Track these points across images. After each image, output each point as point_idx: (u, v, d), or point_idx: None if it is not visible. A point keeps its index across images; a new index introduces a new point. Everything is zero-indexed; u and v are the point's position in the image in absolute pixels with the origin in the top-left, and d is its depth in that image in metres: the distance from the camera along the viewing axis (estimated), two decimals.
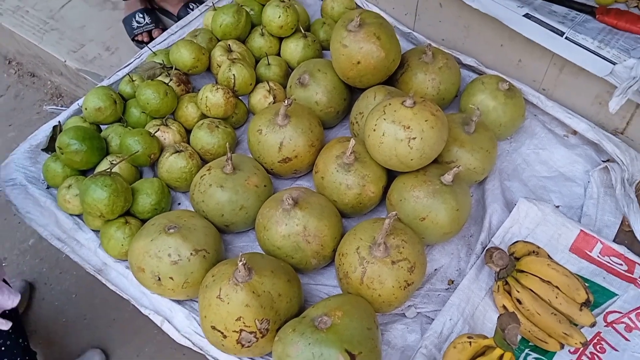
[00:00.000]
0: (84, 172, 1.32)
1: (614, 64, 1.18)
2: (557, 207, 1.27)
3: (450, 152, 1.20)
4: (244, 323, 0.97)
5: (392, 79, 1.39)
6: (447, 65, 1.34)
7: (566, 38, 1.22)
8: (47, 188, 1.34)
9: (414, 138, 1.07)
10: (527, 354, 1.05)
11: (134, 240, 1.11)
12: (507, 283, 1.09)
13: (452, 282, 1.18)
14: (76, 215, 1.28)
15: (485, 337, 0.98)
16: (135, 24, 2.13)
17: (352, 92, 1.39)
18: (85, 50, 2.20)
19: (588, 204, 1.25)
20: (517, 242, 1.13)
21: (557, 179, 1.31)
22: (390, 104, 1.11)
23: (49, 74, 2.43)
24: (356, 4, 1.64)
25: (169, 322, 1.13)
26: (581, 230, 1.17)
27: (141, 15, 2.14)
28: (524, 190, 1.30)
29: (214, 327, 0.99)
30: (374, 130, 1.11)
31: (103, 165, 1.28)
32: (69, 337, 1.83)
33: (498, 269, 1.08)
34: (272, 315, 0.98)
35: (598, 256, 1.16)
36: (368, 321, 0.97)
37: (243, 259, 0.96)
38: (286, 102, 1.19)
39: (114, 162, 1.23)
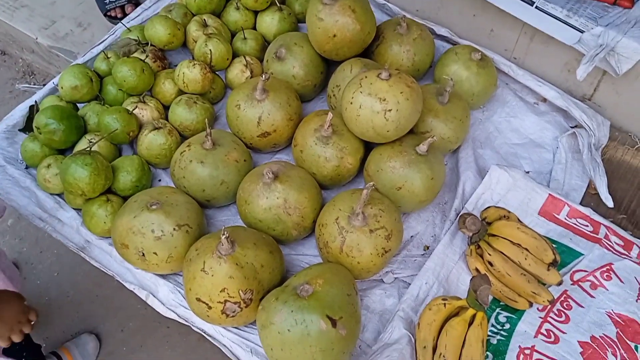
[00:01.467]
0: (63, 152, 1.32)
1: (582, 32, 1.21)
2: (527, 172, 1.32)
3: (425, 122, 1.23)
4: (228, 294, 1.00)
5: (368, 51, 1.40)
6: (421, 36, 1.36)
7: (536, 7, 1.25)
8: (26, 168, 1.34)
9: (390, 110, 1.10)
10: (498, 313, 1.11)
11: (116, 218, 1.13)
12: (479, 247, 1.14)
13: (428, 247, 1.23)
14: (57, 195, 1.29)
15: (459, 299, 1.03)
16: (107, 0, 2.10)
17: (328, 65, 1.41)
18: (57, 26, 2.17)
19: (557, 169, 1.30)
20: (489, 207, 1.18)
21: (527, 146, 1.35)
22: (366, 77, 1.13)
23: (20, 51, 2.39)
24: None
25: (153, 296, 1.16)
26: (549, 194, 1.22)
27: None
28: (495, 157, 1.34)
29: (199, 299, 1.02)
30: (351, 103, 1.14)
31: (82, 144, 1.29)
32: (53, 316, 1.85)
33: (471, 234, 1.12)
34: (255, 285, 1.02)
35: (565, 218, 1.21)
36: (348, 288, 1.01)
37: (226, 232, 0.99)
38: (263, 76, 1.20)
39: (93, 140, 1.24)
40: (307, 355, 0.95)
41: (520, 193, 1.23)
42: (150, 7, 1.63)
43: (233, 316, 1.03)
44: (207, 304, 1.02)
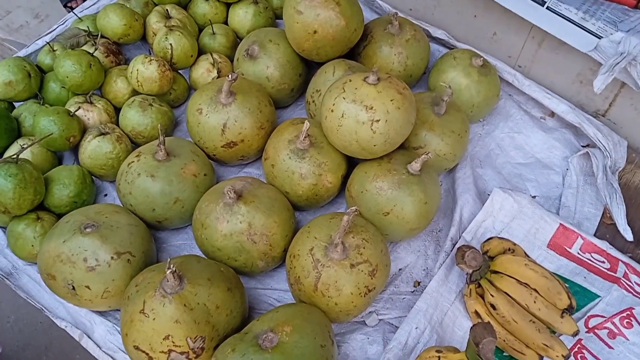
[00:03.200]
0: None
1: (599, 37, 1.05)
2: (534, 197, 1.14)
3: (418, 136, 1.05)
4: (173, 342, 0.81)
5: (354, 52, 1.23)
6: (415, 37, 1.19)
7: (547, 8, 1.09)
8: None
9: (378, 120, 0.92)
10: None
11: (43, 242, 0.93)
12: (480, 286, 0.96)
13: (419, 283, 1.04)
14: None
15: (457, 350, 0.85)
16: None
17: (308, 67, 1.22)
18: (12, 17, 1.96)
19: (567, 193, 1.13)
20: (492, 238, 1.00)
21: (533, 166, 1.18)
22: (350, 81, 0.95)
23: None
24: None
25: (88, 336, 0.96)
26: (560, 224, 1.05)
27: None
28: (497, 178, 1.17)
29: (137, 347, 0.82)
30: (332, 110, 0.95)
31: (12, 150, 1.09)
32: None
33: (471, 271, 0.94)
34: (208, 331, 0.83)
35: (579, 253, 1.04)
36: (322, 337, 0.82)
37: (172, 265, 0.80)
38: (230, 76, 1.01)
39: (25, 146, 1.04)
40: None
41: (527, 222, 1.06)
42: None
43: None
44: (147, 354, 0.82)
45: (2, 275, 1.04)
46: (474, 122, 1.24)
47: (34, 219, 1.00)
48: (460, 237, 1.05)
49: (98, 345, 0.95)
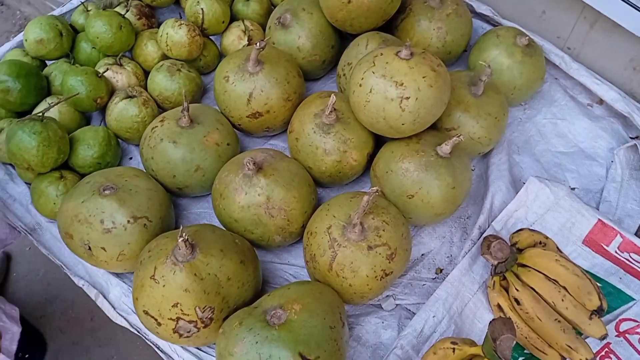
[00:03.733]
0: (21, 115, 1.12)
1: None
2: (573, 189, 1.08)
3: (451, 117, 1.00)
4: (181, 310, 0.80)
5: (391, 25, 1.17)
6: (456, 12, 1.12)
7: None
8: None
9: (408, 98, 0.87)
10: None
11: (63, 201, 0.93)
12: (505, 278, 0.91)
13: (441, 271, 1.00)
14: (9, 164, 1.10)
15: (473, 344, 0.81)
16: None
17: (342, 38, 1.18)
18: None
19: (609, 187, 1.06)
20: (522, 229, 0.95)
21: (575, 156, 1.11)
22: (382, 54, 0.90)
23: (17, 2, 2.20)
24: None
25: (104, 296, 0.97)
26: (599, 219, 0.98)
27: None
28: (535, 167, 1.10)
29: (146, 312, 0.82)
30: (360, 85, 0.91)
31: (40, 108, 1.09)
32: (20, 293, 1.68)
33: (496, 262, 0.89)
34: (217, 302, 0.81)
35: (616, 251, 0.97)
36: (332, 318, 0.79)
37: (185, 233, 0.78)
38: (258, 44, 0.98)
39: (52, 104, 1.04)
40: None
41: (563, 215, 0.99)
42: None
43: (188, 336, 0.83)
44: (156, 320, 0.81)
45: (26, 230, 1.05)
46: (514, 106, 1.17)
47: (57, 177, 1.01)
48: (489, 226, 1.00)
49: (113, 306, 0.96)
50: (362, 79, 0.90)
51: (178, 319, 0.80)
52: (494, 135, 1.02)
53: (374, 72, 0.89)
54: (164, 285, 0.79)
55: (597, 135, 1.12)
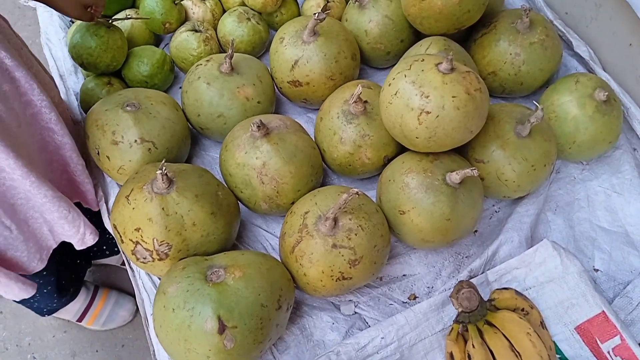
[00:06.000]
0: (107, 15, 1.21)
1: None
2: (596, 270, 0.96)
3: (485, 149, 0.92)
4: (141, 236, 0.84)
5: (470, 37, 1.10)
6: (543, 43, 1.02)
7: None
8: (71, 22, 1.26)
9: (428, 112, 0.82)
10: None
11: (95, 104, 1.00)
12: (467, 330, 0.84)
13: (415, 298, 0.95)
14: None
15: None
16: None
17: (417, 35, 1.12)
18: None
19: (637, 284, 0.93)
20: (507, 289, 0.87)
21: (615, 237, 0.98)
22: (422, 60, 0.85)
23: None
24: None
25: (105, 202, 1.04)
26: (603, 310, 0.87)
27: None
28: (565, 232, 0.99)
29: (115, 227, 0.87)
30: (389, 85, 0.87)
31: (118, 16, 1.16)
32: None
33: (459, 310, 0.83)
34: (176, 242, 0.84)
35: (609, 352, 0.86)
36: (268, 297, 0.79)
37: (164, 168, 0.81)
38: (317, 14, 0.97)
39: (130, 16, 1.11)
40: (180, 348, 0.77)
41: (565, 292, 0.89)
42: None
43: (144, 262, 0.87)
44: (120, 236, 0.87)
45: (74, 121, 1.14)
46: (572, 162, 1.05)
47: (105, 82, 1.08)
48: (482, 273, 0.93)
49: (108, 212, 1.03)
50: (394, 79, 0.86)
51: (137, 242, 0.84)
52: (524, 183, 0.93)
53: (405, 76, 0.84)
54: (133, 208, 0.84)
55: None
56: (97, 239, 0.95)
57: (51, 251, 0.95)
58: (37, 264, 0.92)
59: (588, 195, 1.03)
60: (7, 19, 0.92)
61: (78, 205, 1.01)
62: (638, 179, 1.02)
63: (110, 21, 1.06)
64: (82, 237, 0.93)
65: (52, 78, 1.04)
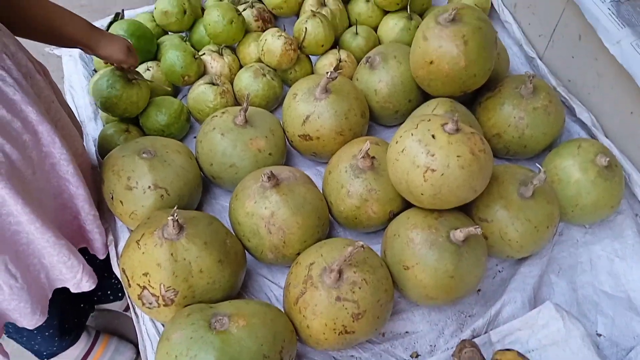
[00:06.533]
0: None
1: None
2: (599, 335, 0.96)
3: (489, 208, 0.94)
4: (149, 281, 0.85)
5: (476, 99, 1.14)
6: (546, 109, 1.06)
7: None
8: (94, 70, 1.32)
9: (434, 170, 0.85)
10: None
11: (113, 150, 1.04)
12: None
13: (417, 356, 0.94)
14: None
15: None
16: None
17: (424, 96, 1.16)
18: None
19: None
20: (510, 350, 0.86)
21: (618, 302, 0.98)
22: (429, 120, 0.89)
23: None
24: (492, 4, 1.38)
25: (115, 245, 1.05)
26: None
27: None
28: (568, 295, 1.00)
29: (123, 270, 0.89)
30: (397, 142, 0.90)
31: (140, 68, 1.22)
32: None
33: None
34: (183, 288, 0.85)
35: None
36: (270, 348, 0.79)
37: (176, 214, 0.84)
38: (329, 74, 1.01)
39: (150, 68, 1.17)
40: None
41: (567, 355, 0.89)
42: None
43: (149, 307, 0.88)
44: (128, 280, 0.88)
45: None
46: (575, 225, 1.06)
47: (123, 129, 1.13)
48: (485, 333, 0.93)
49: (117, 256, 1.04)
50: (401, 136, 0.89)
51: (144, 287, 0.86)
52: (527, 244, 0.94)
53: (412, 134, 0.88)
54: (143, 253, 0.85)
55: None
56: (94, 287, 0.95)
57: (48, 302, 0.95)
58: (40, 317, 0.91)
59: (591, 259, 1.04)
60: (46, 69, 0.97)
61: (85, 250, 1.02)
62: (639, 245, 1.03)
63: (131, 74, 1.10)
64: (79, 283, 0.93)
65: (80, 128, 1.08)
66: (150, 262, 0.85)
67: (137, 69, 1.22)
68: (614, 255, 1.03)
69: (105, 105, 1.10)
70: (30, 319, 0.90)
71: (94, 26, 0.99)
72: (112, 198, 0.99)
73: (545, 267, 1.01)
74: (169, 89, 1.17)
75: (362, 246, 0.81)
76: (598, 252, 1.04)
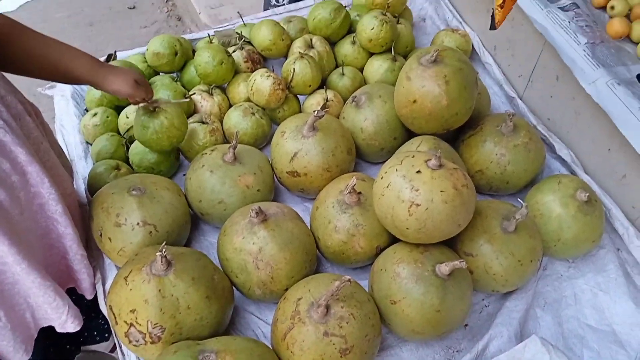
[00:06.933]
0: (119, 107, 1.29)
1: None
2: None
3: (473, 242, 0.96)
4: (136, 318, 0.85)
5: (459, 137, 1.17)
6: (526, 146, 1.09)
7: None
8: (85, 110, 1.35)
9: (418, 205, 0.87)
10: None
11: (105, 186, 1.05)
12: None
13: None
14: (88, 143, 1.26)
15: None
16: (273, 1, 2.12)
17: (409, 134, 1.19)
18: (221, 10, 2.25)
19: None
20: None
21: (603, 336, 0.99)
22: (413, 156, 0.91)
23: (190, 22, 2.54)
24: (473, 46, 1.43)
25: (102, 283, 1.05)
26: None
27: None
28: (554, 329, 1.01)
29: (110, 307, 0.88)
30: (382, 177, 0.92)
31: (129, 109, 1.24)
32: None
33: None
34: (170, 325, 0.85)
35: None
36: None
37: (164, 250, 0.84)
38: (316, 112, 1.04)
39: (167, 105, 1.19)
40: None
41: None
42: (281, 13, 1.56)
43: (136, 345, 0.87)
44: (115, 317, 0.88)
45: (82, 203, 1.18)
46: (558, 259, 1.08)
47: (113, 166, 1.14)
48: None
49: (104, 294, 1.04)
50: (386, 172, 0.92)
51: (131, 324, 0.85)
52: (512, 278, 0.96)
53: (397, 170, 0.90)
54: (130, 289, 0.86)
55: (636, 323, 0.99)
56: (79, 327, 0.94)
57: (34, 340, 0.94)
58: (23, 356, 0.90)
59: (575, 293, 1.05)
60: (38, 109, 0.98)
61: (72, 290, 1.02)
62: (623, 278, 1.05)
63: (155, 107, 1.11)
64: (64, 323, 0.92)
65: (70, 167, 1.08)
66: (137, 298, 0.85)
67: (129, 110, 1.24)
68: (598, 289, 1.05)
69: (152, 146, 1.12)
70: (12, 357, 0.89)
71: (100, 62, 0.99)
72: (101, 235, 0.99)
73: (530, 302, 1.03)
74: (188, 99, 1.18)
75: (349, 280, 0.81)
76: (582, 286, 1.06)
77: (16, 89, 0.90)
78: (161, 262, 0.85)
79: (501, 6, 0.84)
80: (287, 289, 0.96)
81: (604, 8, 1.18)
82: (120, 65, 1.23)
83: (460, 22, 1.48)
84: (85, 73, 0.96)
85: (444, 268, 0.88)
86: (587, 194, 1.01)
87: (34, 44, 0.90)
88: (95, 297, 1.05)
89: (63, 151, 1.06)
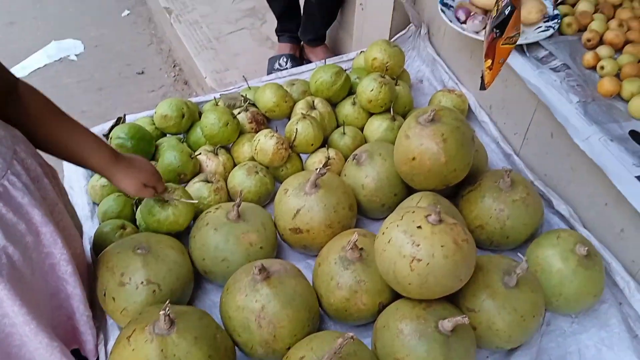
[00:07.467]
0: None
1: None
2: None
3: (475, 298, 0.97)
4: None
5: (458, 193, 1.20)
6: (524, 201, 1.11)
7: None
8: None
9: (420, 260, 0.88)
10: None
11: (110, 246, 1.07)
12: None
13: None
14: (95, 203, 1.29)
15: None
16: (277, 65, 2.21)
17: (409, 190, 1.22)
18: (227, 74, 2.34)
19: None
20: None
21: None
22: (413, 212, 0.94)
23: (196, 85, 2.63)
24: (469, 106, 1.48)
25: (104, 344, 1.04)
26: None
27: (285, 60, 2.22)
28: None
29: None
30: (383, 233, 0.94)
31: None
32: None
33: None
34: None
35: None
36: None
37: (167, 309, 0.85)
38: (319, 170, 1.08)
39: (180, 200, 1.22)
40: None
41: None
42: (285, 77, 1.63)
43: None
44: None
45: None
46: (562, 314, 1.08)
47: (119, 225, 1.16)
48: None
49: (106, 355, 1.03)
50: (387, 228, 0.94)
51: None
52: (515, 334, 0.96)
53: (398, 225, 0.92)
54: (133, 349, 0.85)
55: None
56: None
57: None
58: None
59: (579, 349, 1.04)
60: (55, 171, 1.02)
61: (76, 351, 1.02)
62: (626, 333, 1.04)
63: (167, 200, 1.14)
64: None
65: (81, 228, 1.11)
66: (139, 359, 0.85)
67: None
68: (602, 345, 1.04)
69: (150, 229, 1.15)
70: None
71: (116, 157, 1.01)
72: (105, 295, 1.00)
73: (535, 358, 1.02)
74: (196, 201, 1.20)
75: (352, 337, 0.81)
76: (586, 341, 1.05)
77: (36, 152, 0.93)
78: (165, 320, 0.85)
79: (490, 68, 0.89)
80: (289, 348, 0.95)
81: (594, 68, 1.23)
82: (127, 128, 1.28)
83: (456, 83, 1.54)
84: (96, 167, 1.00)
85: (447, 324, 0.88)
86: (587, 248, 1.02)
87: (59, 130, 0.94)
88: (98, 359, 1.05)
89: (75, 212, 1.09)
